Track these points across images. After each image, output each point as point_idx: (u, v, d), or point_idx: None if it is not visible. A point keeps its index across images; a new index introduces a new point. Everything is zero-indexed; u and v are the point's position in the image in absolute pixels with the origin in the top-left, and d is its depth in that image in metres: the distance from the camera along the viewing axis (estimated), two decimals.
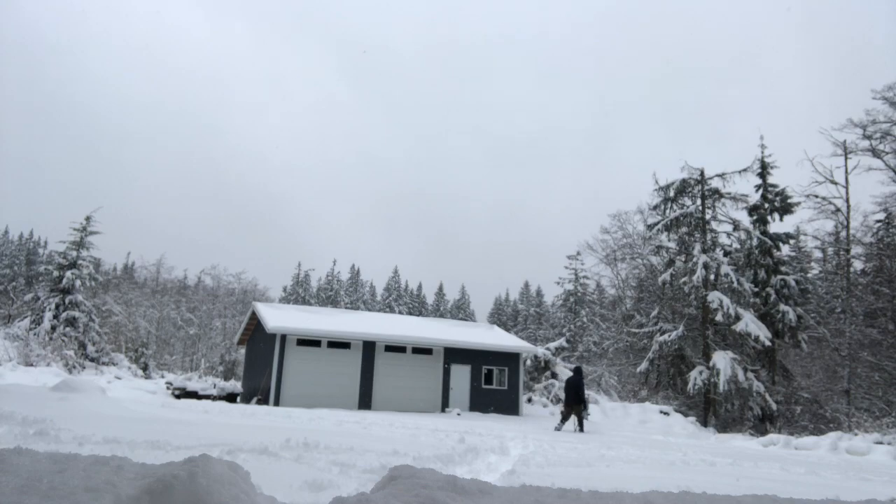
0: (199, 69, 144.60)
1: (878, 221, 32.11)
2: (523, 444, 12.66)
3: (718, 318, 28.91)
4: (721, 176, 32.18)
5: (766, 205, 32.24)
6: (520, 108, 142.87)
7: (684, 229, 32.72)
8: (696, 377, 29.17)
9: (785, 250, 33.59)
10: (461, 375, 28.09)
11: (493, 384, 28.63)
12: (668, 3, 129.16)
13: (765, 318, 30.46)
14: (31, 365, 27.39)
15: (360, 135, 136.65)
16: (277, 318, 26.94)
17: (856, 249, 33.43)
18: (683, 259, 32.99)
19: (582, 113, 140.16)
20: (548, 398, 33.77)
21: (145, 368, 37.44)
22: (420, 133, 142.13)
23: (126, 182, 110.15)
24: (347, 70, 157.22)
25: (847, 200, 32.23)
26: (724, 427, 28.52)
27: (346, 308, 64.14)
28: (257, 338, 29.61)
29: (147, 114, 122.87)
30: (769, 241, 31.70)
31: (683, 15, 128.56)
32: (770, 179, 32.38)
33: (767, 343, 28.66)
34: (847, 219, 32.42)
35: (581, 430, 19.99)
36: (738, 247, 33.32)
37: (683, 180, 32.77)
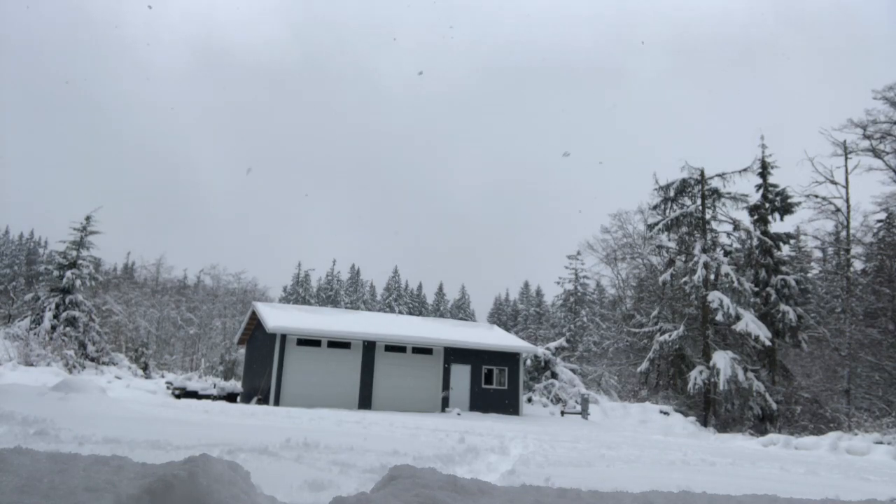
0: (188, 63, 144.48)
1: (879, 221, 32.13)
2: (523, 443, 12.66)
3: (719, 317, 28.92)
4: (721, 176, 32.21)
5: (767, 205, 32.24)
6: (522, 106, 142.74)
7: (684, 229, 32.74)
8: (696, 377, 29.18)
9: (785, 250, 33.61)
10: (461, 375, 28.08)
11: (493, 384, 28.63)
12: (667, 3, 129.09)
13: (765, 317, 30.46)
14: (31, 365, 27.39)
15: (359, 133, 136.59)
16: (277, 317, 26.94)
17: (856, 249, 33.46)
18: (683, 259, 33.01)
19: (582, 111, 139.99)
20: (548, 398, 33.78)
21: (145, 368, 37.45)
22: (420, 133, 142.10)
23: (126, 182, 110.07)
24: (343, 60, 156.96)
25: (847, 200, 32.26)
26: (724, 427, 28.53)
27: (346, 308, 64.15)
28: (257, 338, 29.61)
29: (144, 112, 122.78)
30: (769, 241, 31.71)
31: (683, 14, 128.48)
32: (770, 179, 32.39)
33: (767, 343, 28.67)
34: (847, 219, 32.44)
35: None
36: (739, 247, 33.35)
37: (683, 180, 32.80)
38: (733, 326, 29.02)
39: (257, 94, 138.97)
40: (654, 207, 34.93)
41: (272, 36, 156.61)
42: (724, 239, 33.17)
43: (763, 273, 31.53)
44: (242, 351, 35.50)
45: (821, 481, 9.97)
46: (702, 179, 32.40)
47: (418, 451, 9.27)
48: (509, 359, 29.18)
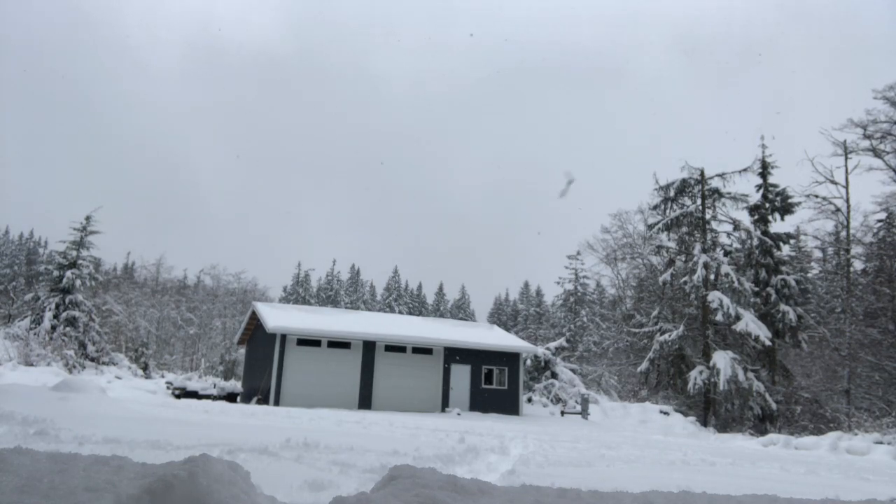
0: (188, 63, 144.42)
1: (879, 221, 32.11)
2: (523, 443, 12.66)
3: (718, 317, 28.92)
4: (721, 176, 32.22)
5: (767, 204, 32.24)
6: (522, 106, 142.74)
7: (684, 229, 32.75)
8: (696, 377, 29.18)
9: (785, 250, 33.61)
10: (461, 375, 28.08)
11: (493, 384, 28.63)
12: (668, 3, 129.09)
13: (765, 317, 30.46)
14: (31, 365, 27.39)
15: (359, 133, 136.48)
16: (277, 317, 26.94)
17: (856, 249, 33.47)
18: (683, 259, 33.02)
19: (580, 110, 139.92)
20: (548, 398, 33.78)
21: (145, 368, 37.44)
22: (420, 133, 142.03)
23: (126, 182, 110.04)
24: (343, 60, 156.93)
25: (847, 200, 32.26)
26: (724, 427, 28.53)
27: (346, 308, 64.14)
28: (257, 338, 29.61)
29: (144, 112, 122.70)
30: (769, 241, 31.71)
31: (683, 13, 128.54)
32: (770, 179, 32.39)
33: (767, 343, 28.66)
34: (847, 219, 32.45)
35: None
36: (739, 246, 33.36)
37: (683, 180, 32.81)
38: (733, 326, 29.02)
39: (257, 93, 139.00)
40: (654, 207, 34.93)
41: (272, 35, 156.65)
42: (724, 239, 33.20)
43: (763, 273, 31.53)
44: (242, 351, 35.51)
45: (821, 481, 9.97)
46: (702, 179, 32.40)
47: (418, 451, 9.27)
48: (509, 359, 29.17)
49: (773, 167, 32.31)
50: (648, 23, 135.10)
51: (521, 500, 4.53)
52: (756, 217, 32.48)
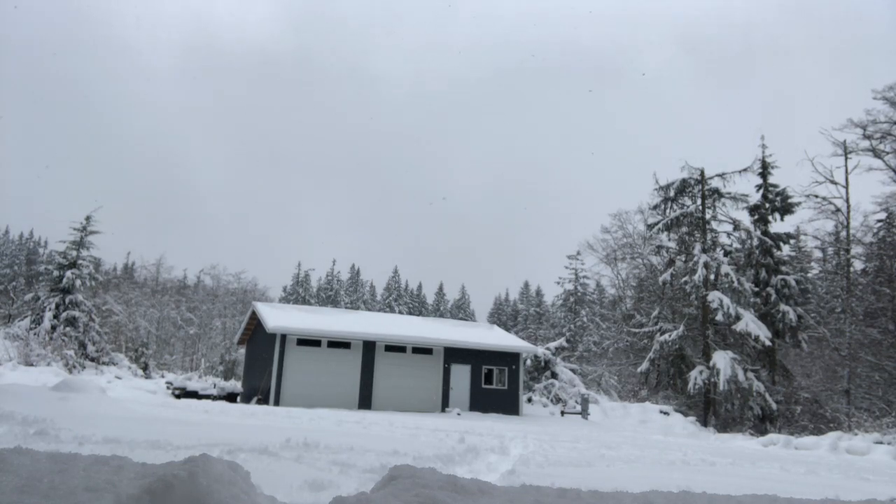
0: (188, 64, 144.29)
1: (879, 221, 32.12)
2: (523, 443, 12.67)
3: (719, 317, 28.92)
4: (721, 176, 32.22)
5: (767, 204, 32.25)
6: (519, 105, 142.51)
7: (684, 229, 32.75)
8: (696, 377, 29.18)
9: (785, 250, 33.62)
10: (461, 375, 28.08)
11: (493, 384, 28.63)
12: (669, 3, 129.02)
13: (765, 317, 30.46)
14: (31, 365, 27.39)
15: (359, 133, 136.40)
16: (277, 317, 26.94)
17: (856, 249, 33.48)
18: (683, 259, 33.02)
19: (579, 111, 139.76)
20: (548, 398, 33.77)
21: (145, 368, 37.43)
22: (420, 132, 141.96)
23: (126, 182, 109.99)
24: (343, 60, 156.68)
25: (847, 200, 32.28)
26: (724, 427, 28.53)
27: (346, 308, 64.11)
28: (257, 338, 29.61)
29: (144, 112, 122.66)
30: (770, 241, 31.72)
31: (684, 13, 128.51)
32: (770, 179, 32.41)
33: (767, 343, 28.66)
34: (847, 219, 32.46)
35: None
36: (739, 246, 33.37)
37: (683, 180, 32.81)
38: (733, 326, 29.02)
39: (257, 93, 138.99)
40: (654, 207, 34.94)
41: (272, 35, 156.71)
42: (724, 239, 33.20)
43: (763, 273, 31.53)
44: (242, 351, 35.50)
45: (821, 481, 9.97)
46: (702, 179, 32.41)
47: (418, 451, 9.27)
48: (509, 359, 29.17)
49: (773, 167, 32.33)
50: (649, 23, 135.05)
51: (521, 500, 4.53)
52: (756, 217, 32.48)
